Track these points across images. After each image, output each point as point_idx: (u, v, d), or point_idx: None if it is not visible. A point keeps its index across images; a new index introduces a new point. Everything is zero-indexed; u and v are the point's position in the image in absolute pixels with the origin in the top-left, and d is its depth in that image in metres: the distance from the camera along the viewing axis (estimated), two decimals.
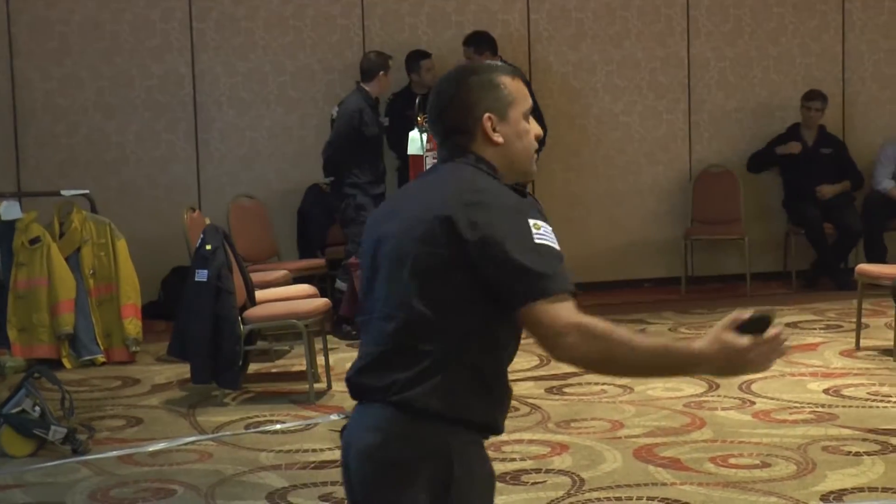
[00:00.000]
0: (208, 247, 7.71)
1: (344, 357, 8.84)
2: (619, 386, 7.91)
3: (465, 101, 3.19)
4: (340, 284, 9.52)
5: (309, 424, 7.25)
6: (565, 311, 2.97)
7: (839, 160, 11.12)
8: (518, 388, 7.94)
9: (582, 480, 6.12)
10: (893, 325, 8.43)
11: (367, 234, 3.28)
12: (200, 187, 10.58)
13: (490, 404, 3.13)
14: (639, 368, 3.08)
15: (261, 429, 7.23)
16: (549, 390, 7.87)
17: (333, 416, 7.29)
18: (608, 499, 5.86)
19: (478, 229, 2.98)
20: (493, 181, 3.13)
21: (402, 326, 3.06)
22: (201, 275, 7.67)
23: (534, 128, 3.25)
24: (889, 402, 7.42)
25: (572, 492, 5.96)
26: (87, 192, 9.30)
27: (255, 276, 8.58)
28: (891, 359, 8.34)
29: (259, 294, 8.23)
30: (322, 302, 8.20)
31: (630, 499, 5.87)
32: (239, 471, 6.46)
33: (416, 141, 8.64)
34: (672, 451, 6.57)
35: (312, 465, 6.47)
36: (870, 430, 6.82)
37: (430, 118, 3.28)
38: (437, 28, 10.86)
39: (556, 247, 3.02)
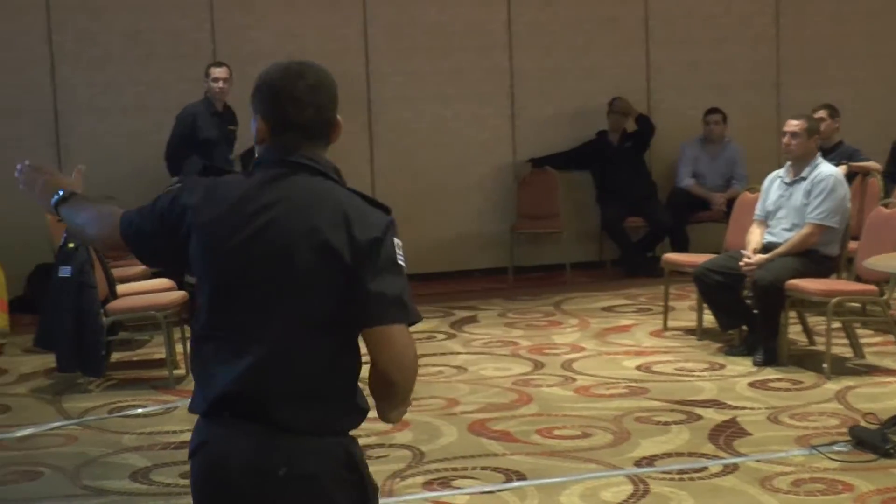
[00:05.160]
0: (71, 245, 7.58)
1: None
2: (454, 367, 7.96)
3: (335, 100, 2.93)
4: (190, 278, 9.42)
5: (169, 408, 7.15)
6: None
7: (638, 143, 11.34)
8: (362, 371, 7.93)
9: (422, 453, 6.14)
10: (696, 307, 8.60)
11: None
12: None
13: None
14: None
15: (124, 413, 7.11)
16: None
17: None
18: (446, 469, 5.89)
19: None
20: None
21: None
22: (65, 271, 7.53)
23: None
24: (693, 375, 7.58)
25: (413, 464, 5.98)
26: None
27: (116, 272, 8.43)
28: (694, 337, 8.53)
29: (120, 288, 8.10)
30: (179, 294, 8.10)
31: (465, 469, 5.91)
32: (103, 452, 6.34)
33: None
34: (502, 424, 6.63)
35: (173, 446, 6.37)
36: (677, 402, 6.97)
37: (310, 112, 2.86)
38: (280, 41, 10.77)
39: None
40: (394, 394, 2.78)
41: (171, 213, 2.89)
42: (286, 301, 2.75)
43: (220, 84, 9.55)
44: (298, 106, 2.85)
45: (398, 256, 2.78)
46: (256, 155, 2.94)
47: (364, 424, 6.71)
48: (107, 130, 10.51)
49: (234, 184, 2.89)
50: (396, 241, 2.80)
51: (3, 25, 10.25)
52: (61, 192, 3.23)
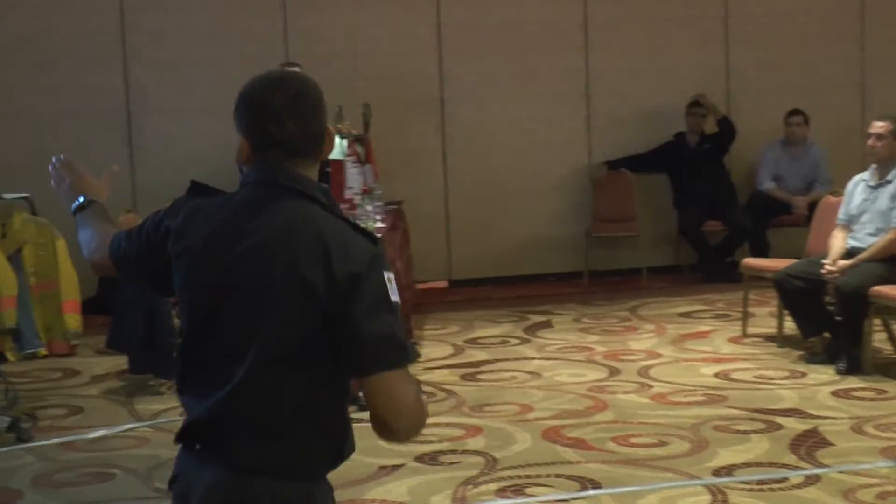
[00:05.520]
0: None
1: None
2: (528, 372, 7.94)
3: (321, 111, 2.78)
4: None
5: None
6: None
7: (717, 145, 11.25)
8: (435, 376, 7.96)
9: (495, 460, 6.14)
10: (776, 313, 8.51)
11: None
12: (136, 190, 10.46)
13: None
14: None
15: None
16: (464, 377, 7.87)
17: None
18: (519, 476, 5.88)
19: None
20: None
21: None
22: None
23: None
24: (773, 384, 7.51)
25: (486, 470, 5.98)
26: (27, 195, 9.16)
27: None
28: (774, 344, 8.45)
29: None
30: None
31: (539, 476, 5.89)
32: (175, 455, 6.37)
33: (337, 146, 8.63)
34: (577, 431, 6.60)
35: None
36: (756, 410, 6.90)
37: (291, 127, 2.73)
38: (353, 41, 10.82)
39: None
40: (395, 436, 2.65)
41: (156, 235, 2.83)
42: (261, 333, 2.62)
43: None
44: (278, 121, 2.71)
45: (389, 291, 2.61)
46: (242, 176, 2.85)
47: (435, 430, 6.71)
48: (179, 132, 10.61)
49: (217, 207, 2.76)
50: (386, 273, 2.63)
51: (76, 26, 10.40)
52: (81, 200, 3.19)
